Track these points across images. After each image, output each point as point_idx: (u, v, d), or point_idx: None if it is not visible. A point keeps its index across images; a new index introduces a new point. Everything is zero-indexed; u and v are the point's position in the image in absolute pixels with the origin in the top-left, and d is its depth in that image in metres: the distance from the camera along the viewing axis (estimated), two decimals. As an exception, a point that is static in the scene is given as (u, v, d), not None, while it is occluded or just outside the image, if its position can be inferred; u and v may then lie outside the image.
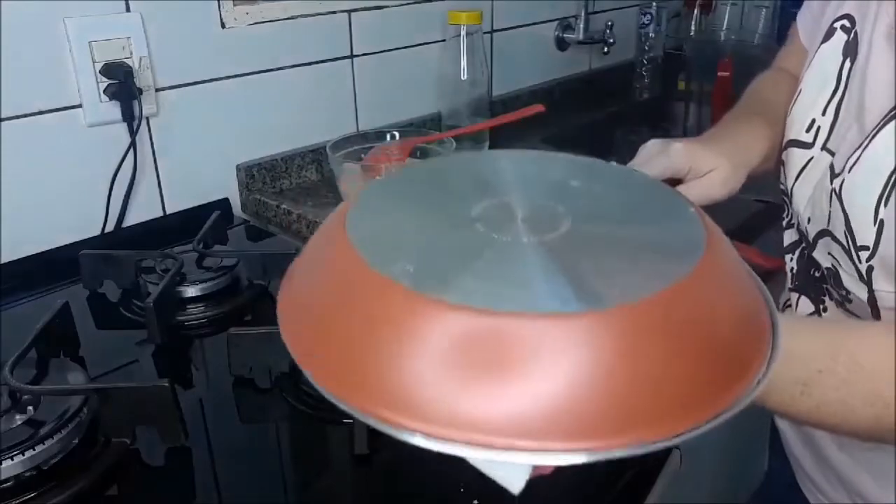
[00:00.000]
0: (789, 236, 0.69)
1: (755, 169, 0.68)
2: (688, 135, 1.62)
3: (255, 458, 0.61)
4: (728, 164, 0.65)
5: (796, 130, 0.63)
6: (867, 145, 0.53)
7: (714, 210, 0.76)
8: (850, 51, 0.59)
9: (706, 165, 0.65)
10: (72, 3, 0.88)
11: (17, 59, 0.85)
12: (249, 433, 0.65)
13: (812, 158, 0.61)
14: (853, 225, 0.53)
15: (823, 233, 0.58)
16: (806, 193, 0.61)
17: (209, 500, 0.57)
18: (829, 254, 0.58)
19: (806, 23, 0.73)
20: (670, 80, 1.76)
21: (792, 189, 0.63)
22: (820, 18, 0.66)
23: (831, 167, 0.57)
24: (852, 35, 0.59)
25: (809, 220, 0.60)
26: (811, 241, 0.61)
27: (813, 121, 0.61)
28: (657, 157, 0.65)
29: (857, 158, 0.53)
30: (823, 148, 0.60)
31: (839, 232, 0.55)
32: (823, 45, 0.62)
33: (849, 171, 0.54)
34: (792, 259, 0.68)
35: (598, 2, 1.61)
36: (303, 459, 0.61)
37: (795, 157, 0.63)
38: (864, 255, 0.53)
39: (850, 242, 0.54)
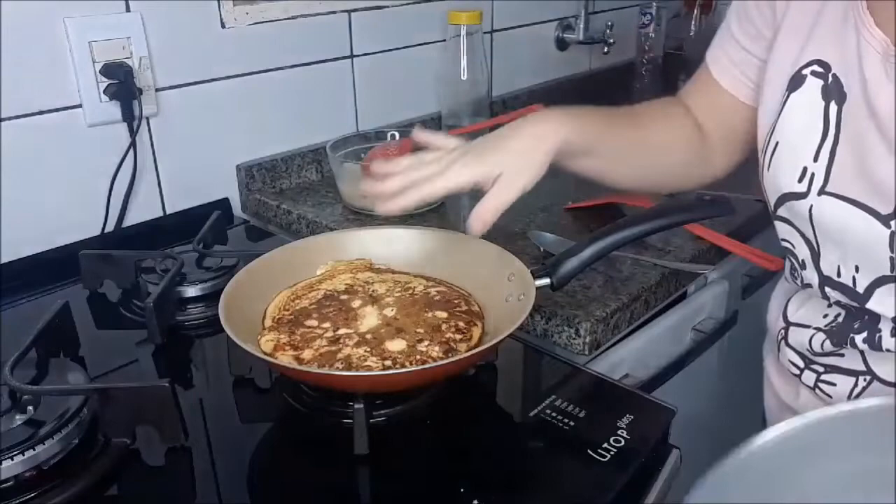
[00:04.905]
0: (811, 300, 0.67)
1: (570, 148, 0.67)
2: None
3: (255, 458, 0.61)
4: (509, 168, 0.65)
5: (787, 183, 0.61)
6: None
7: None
8: (833, 93, 0.58)
9: (489, 174, 0.65)
10: (72, 3, 0.88)
11: (17, 59, 0.85)
12: (249, 433, 0.65)
13: (812, 206, 0.60)
14: None
15: (883, 280, 0.56)
16: (839, 243, 0.59)
17: (209, 500, 0.57)
18: None
19: (729, 74, 0.73)
20: (670, 80, 1.76)
21: (817, 244, 0.61)
22: (750, 70, 0.67)
23: (872, 211, 0.55)
24: (830, 78, 0.59)
25: (857, 269, 0.58)
26: (863, 292, 0.59)
27: (805, 169, 0.60)
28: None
29: None
30: (822, 193, 0.58)
31: None
32: (794, 95, 0.61)
33: None
34: (827, 315, 0.65)
35: (598, 2, 1.61)
36: (303, 459, 0.61)
37: (798, 210, 0.61)
38: None
39: None
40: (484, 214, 0.65)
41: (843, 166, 0.57)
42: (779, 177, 0.62)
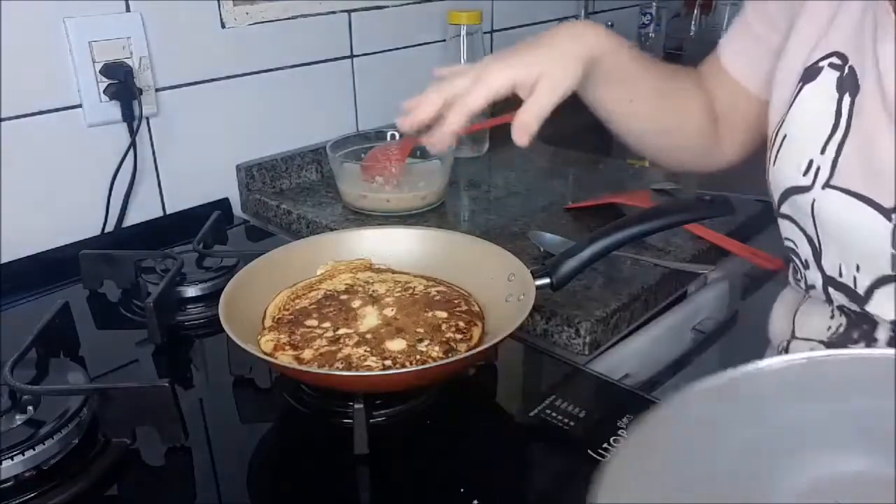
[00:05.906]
0: (817, 312, 0.64)
1: (597, 60, 0.66)
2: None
3: (255, 458, 0.61)
4: (550, 69, 0.63)
5: (792, 177, 0.59)
6: None
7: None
8: (848, 85, 0.56)
9: (529, 75, 0.63)
10: (72, 3, 0.88)
11: (17, 59, 0.85)
12: (249, 433, 0.65)
13: (815, 200, 0.57)
14: None
15: (883, 280, 0.54)
16: (840, 240, 0.57)
17: (209, 500, 0.57)
18: None
19: (739, 62, 0.72)
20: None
21: (819, 241, 0.59)
22: (762, 60, 0.64)
23: (875, 205, 0.53)
24: (847, 70, 0.57)
25: (859, 268, 0.56)
26: (863, 293, 0.57)
27: (811, 162, 0.57)
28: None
29: None
30: (826, 186, 0.56)
31: None
32: (808, 86, 0.59)
33: None
34: (830, 327, 0.62)
35: (597, 2, 1.61)
36: (303, 459, 0.61)
37: (801, 205, 0.59)
38: None
39: None
40: (527, 121, 0.61)
41: (849, 158, 0.55)
42: (784, 170, 0.60)
